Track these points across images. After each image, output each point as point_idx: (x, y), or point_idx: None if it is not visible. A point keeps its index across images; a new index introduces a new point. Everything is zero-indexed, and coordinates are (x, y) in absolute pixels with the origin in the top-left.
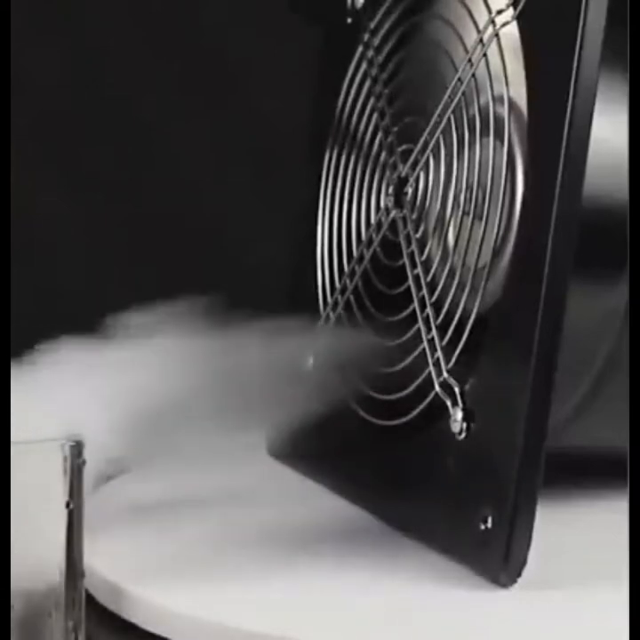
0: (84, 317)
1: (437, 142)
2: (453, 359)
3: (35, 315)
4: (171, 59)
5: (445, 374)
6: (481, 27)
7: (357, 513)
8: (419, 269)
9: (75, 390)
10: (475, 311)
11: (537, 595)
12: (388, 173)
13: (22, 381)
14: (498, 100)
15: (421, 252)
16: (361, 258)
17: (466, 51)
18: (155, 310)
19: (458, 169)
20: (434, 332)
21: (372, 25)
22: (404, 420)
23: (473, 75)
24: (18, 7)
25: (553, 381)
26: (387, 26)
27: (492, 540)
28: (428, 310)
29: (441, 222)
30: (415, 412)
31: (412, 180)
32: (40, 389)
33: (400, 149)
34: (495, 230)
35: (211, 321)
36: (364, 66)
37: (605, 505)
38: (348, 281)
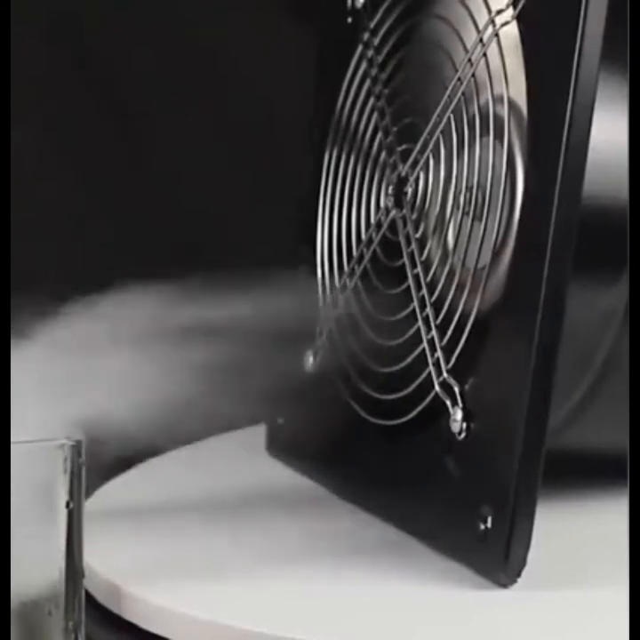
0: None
1: (437, 142)
2: (453, 359)
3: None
4: (170, 59)
5: (445, 374)
6: (481, 27)
7: (357, 513)
8: (418, 269)
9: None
10: (474, 311)
11: (537, 595)
12: (388, 173)
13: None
14: (498, 99)
15: (421, 252)
16: (361, 258)
17: (466, 51)
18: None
19: (457, 169)
20: (434, 331)
21: (372, 25)
22: (403, 419)
23: (473, 75)
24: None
25: (553, 381)
26: (387, 26)
27: (492, 540)
28: (428, 310)
29: (441, 222)
30: (415, 412)
31: (411, 179)
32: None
33: (400, 149)
34: (495, 230)
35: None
36: (363, 66)
37: (605, 505)
38: (347, 281)
